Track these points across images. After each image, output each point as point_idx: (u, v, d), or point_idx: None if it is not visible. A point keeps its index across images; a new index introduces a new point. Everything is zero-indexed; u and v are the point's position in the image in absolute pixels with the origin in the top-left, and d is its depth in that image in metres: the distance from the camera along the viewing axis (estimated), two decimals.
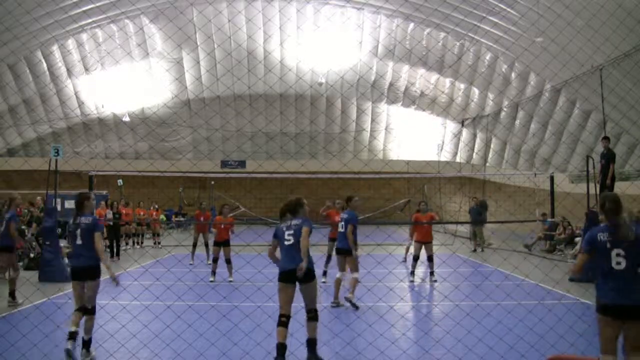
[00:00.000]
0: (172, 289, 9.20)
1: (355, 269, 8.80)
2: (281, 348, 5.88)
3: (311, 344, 6.06)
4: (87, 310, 6.10)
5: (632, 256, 4.45)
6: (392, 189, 31.96)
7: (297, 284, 6.15)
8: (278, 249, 6.37)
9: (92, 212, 6.66)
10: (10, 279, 9.16)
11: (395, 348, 6.31)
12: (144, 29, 26.80)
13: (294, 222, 6.32)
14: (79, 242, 6.25)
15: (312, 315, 6.12)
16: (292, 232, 6.24)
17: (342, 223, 8.93)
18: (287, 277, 6.13)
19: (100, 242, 6.28)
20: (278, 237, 6.34)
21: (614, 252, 4.48)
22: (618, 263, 4.46)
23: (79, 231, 6.26)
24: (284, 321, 6.03)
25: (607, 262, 4.50)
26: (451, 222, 21.02)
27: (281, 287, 6.17)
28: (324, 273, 11.36)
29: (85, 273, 6.17)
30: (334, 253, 10.23)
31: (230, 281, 11.50)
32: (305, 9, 26.56)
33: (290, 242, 6.21)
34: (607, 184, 12.37)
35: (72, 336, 5.86)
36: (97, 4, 21.87)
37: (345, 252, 8.84)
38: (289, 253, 6.19)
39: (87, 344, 6.06)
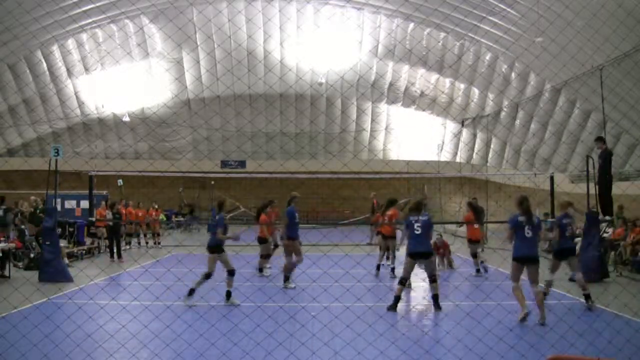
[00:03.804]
0: (172, 289, 9.20)
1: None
2: (397, 298, 8.57)
3: (435, 298, 8.59)
4: (230, 272, 9.14)
5: (534, 230, 7.71)
6: (392, 189, 31.93)
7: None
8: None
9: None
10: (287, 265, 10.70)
11: (395, 348, 6.31)
12: (144, 29, 26.79)
13: (422, 217, 8.79)
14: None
15: (433, 279, 8.65)
16: (420, 224, 8.68)
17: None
18: (415, 256, 8.69)
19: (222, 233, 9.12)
20: (409, 227, 8.79)
21: (526, 227, 7.68)
22: (527, 233, 7.66)
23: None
24: (403, 282, 8.69)
25: (522, 233, 7.66)
26: (451, 222, 20.98)
27: (409, 261, 8.73)
28: (378, 267, 12.13)
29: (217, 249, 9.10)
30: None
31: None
32: (305, 8, 26.55)
33: (419, 232, 8.67)
34: (607, 178, 12.35)
35: (229, 294, 9.07)
36: (97, 4, 21.86)
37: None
38: (418, 239, 8.67)
39: (228, 293, 9.08)
